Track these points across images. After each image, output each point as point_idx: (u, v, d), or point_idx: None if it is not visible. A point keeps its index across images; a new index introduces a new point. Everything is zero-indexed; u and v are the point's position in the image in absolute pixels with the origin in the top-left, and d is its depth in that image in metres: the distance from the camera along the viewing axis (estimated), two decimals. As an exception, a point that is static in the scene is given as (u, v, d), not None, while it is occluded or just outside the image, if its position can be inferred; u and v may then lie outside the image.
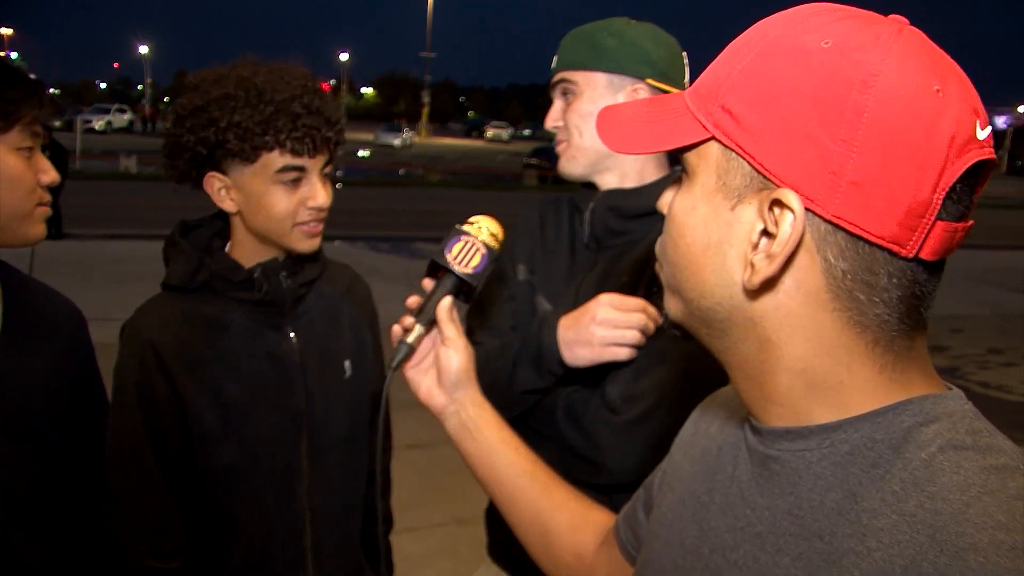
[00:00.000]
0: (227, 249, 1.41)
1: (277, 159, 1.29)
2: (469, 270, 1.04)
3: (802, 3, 0.64)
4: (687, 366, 1.27)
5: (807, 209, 0.57)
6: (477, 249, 1.05)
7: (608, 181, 1.46)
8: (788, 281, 0.60)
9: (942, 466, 0.57)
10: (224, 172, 1.32)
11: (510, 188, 23.42)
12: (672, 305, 0.70)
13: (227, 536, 1.39)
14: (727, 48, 0.65)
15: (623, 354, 1.29)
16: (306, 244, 1.36)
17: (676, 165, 1.49)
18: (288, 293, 1.38)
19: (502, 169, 30.85)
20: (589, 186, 1.51)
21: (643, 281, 1.37)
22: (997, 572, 0.50)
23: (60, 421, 1.29)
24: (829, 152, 0.56)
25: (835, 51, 0.57)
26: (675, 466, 0.84)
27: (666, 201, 0.70)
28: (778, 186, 0.58)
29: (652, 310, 1.28)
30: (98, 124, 39.46)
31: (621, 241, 1.43)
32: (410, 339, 1.03)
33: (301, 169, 1.31)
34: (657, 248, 0.72)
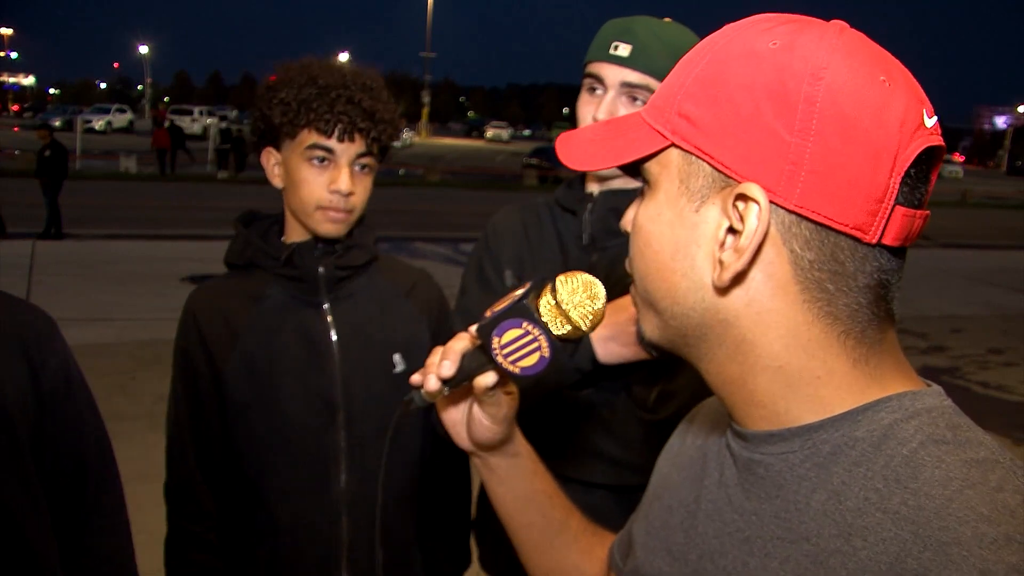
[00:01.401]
0: (284, 236, 1.51)
1: (308, 136, 1.39)
2: (515, 369, 0.76)
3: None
4: None
5: (771, 201, 0.58)
6: (538, 348, 0.75)
7: (614, 183, 1.45)
8: (757, 275, 0.61)
9: (923, 461, 0.57)
10: (279, 149, 1.45)
11: (510, 188, 23.43)
12: (647, 322, 0.70)
13: (256, 512, 1.43)
14: (679, 62, 0.67)
15: (643, 354, 1.25)
16: (326, 228, 1.42)
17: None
18: (323, 272, 1.45)
19: (502, 169, 30.85)
20: (571, 186, 1.51)
21: None
22: (980, 565, 0.51)
23: (8, 466, 1.10)
24: (786, 144, 0.57)
25: (783, 49, 0.59)
26: (662, 476, 0.84)
27: (629, 218, 0.71)
28: (739, 182, 0.59)
29: None
30: (98, 124, 39.46)
31: (619, 241, 1.43)
32: (426, 399, 0.85)
33: (329, 151, 1.39)
34: (627, 266, 0.72)
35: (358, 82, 1.41)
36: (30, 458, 1.13)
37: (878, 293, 0.61)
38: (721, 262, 0.61)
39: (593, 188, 1.47)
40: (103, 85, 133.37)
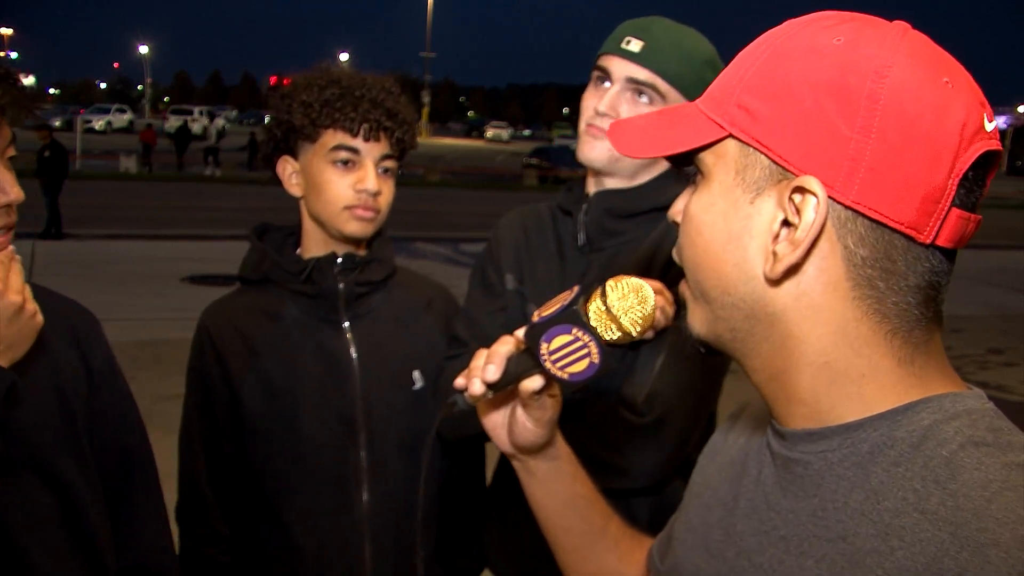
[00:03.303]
0: (300, 249, 1.48)
1: (332, 137, 1.37)
2: (565, 376, 0.76)
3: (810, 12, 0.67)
4: (703, 362, 1.26)
5: (828, 196, 0.58)
6: (587, 355, 0.74)
7: (610, 182, 1.45)
8: (810, 269, 0.61)
9: (963, 463, 0.57)
10: (296, 157, 1.43)
11: (510, 188, 23.41)
12: (696, 316, 0.70)
13: (276, 534, 1.40)
14: (736, 57, 0.67)
15: (647, 334, 1.25)
16: (353, 227, 1.40)
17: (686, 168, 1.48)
18: (343, 289, 1.42)
19: (502, 169, 30.84)
20: (571, 189, 1.50)
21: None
22: (1020, 568, 0.50)
23: (67, 443, 1.15)
24: (847, 139, 0.57)
25: (847, 46, 0.59)
26: (702, 473, 0.84)
27: (679, 208, 0.71)
28: (797, 175, 0.59)
29: (668, 294, 1.27)
30: (98, 124, 39.47)
31: (616, 242, 1.42)
32: (470, 403, 0.83)
33: (355, 151, 1.38)
34: (675, 256, 0.72)
35: (378, 84, 1.41)
36: (86, 439, 1.17)
37: (928, 294, 0.61)
38: (775, 254, 0.61)
39: (591, 188, 1.46)
40: (103, 85, 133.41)
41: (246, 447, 1.40)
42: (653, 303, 0.74)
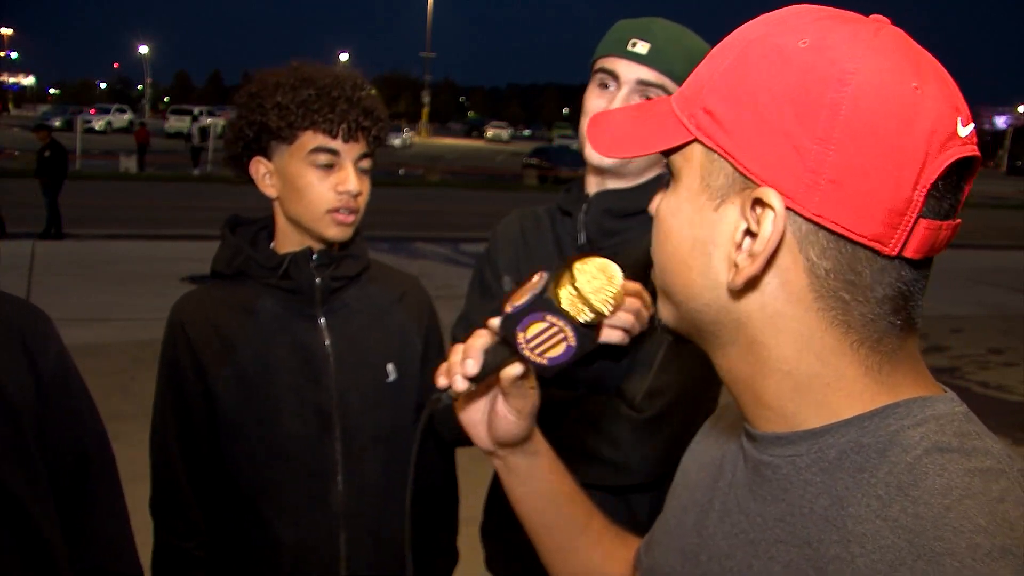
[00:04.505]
0: (273, 243, 1.47)
1: (311, 139, 1.35)
2: (544, 361, 0.76)
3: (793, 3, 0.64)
4: (703, 360, 1.26)
5: (788, 208, 0.57)
6: (564, 338, 0.75)
7: (615, 183, 1.45)
8: (772, 281, 0.60)
9: (926, 469, 0.56)
10: (269, 157, 1.40)
11: (510, 188, 23.41)
12: (664, 310, 0.70)
13: (253, 529, 1.40)
14: (711, 51, 0.65)
15: (616, 337, 1.25)
16: (335, 231, 1.39)
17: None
18: (319, 283, 1.41)
19: (502, 169, 30.84)
20: (571, 189, 1.51)
21: (647, 280, 1.37)
22: None
23: (12, 454, 1.08)
24: (807, 150, 0.56)
25: (811, 50, 0.57)
26: (683, 475, 0.84)
27: (655, 205, 0.70)
28: (759, 185, 0.58)
29: (647, 297, 1.27)
30: (98, 124, 39.47)
31: (615, 241, 1.43)
32: (452, 395, 0.84)
33: (334, 153, 1.36)
34: (651, 252, 0.72)
35: (350, 81, 1.38)
36: (34, 447, 1.13)
37: (897, 304, 0.59)
38: (736, 265, 0.60)
39: (591, 188, 1.47)
40: (103, 85, 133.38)
41: (221, 441, 1.40)
42: (620, 279, 0.74)
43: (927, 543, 0.52)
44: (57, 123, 31.85)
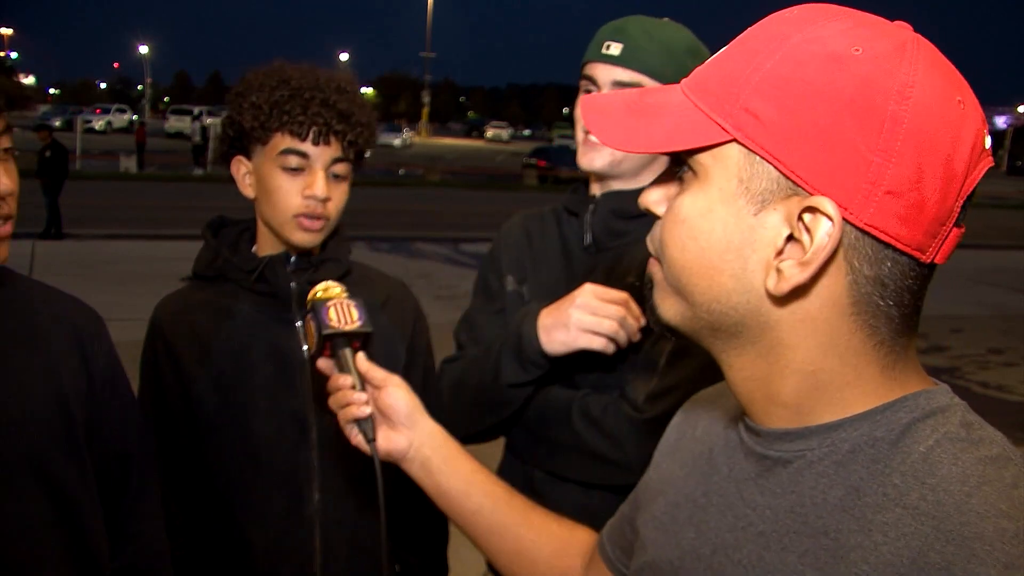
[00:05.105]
0: (255, 246, 1.46)
1: (281, 140, 1.33)
2: (359, 323, 1.07)
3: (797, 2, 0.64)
4: (707, 361, 1.27)
5: (842, 219, 0.57)
6: (347, 304, 1.08)
7: (615, 184, 1.45)
8: (814, 287, 0.60)
9: (940, 459, 0.58)
10: (249, 157, 1.39)
11: (510, 188, 23.42)
12: (672, 309, 0.69)
13: (228, 532, 1.39)
14: (737, 46, 0.63)
15: (598, 343, 1.26)
16: (300, 237, 1.36)
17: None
18: (295, 287, 1.39)
19: (502, 169, 30.85)
20: (576, 190, 1.51)
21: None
22: (1004, 559, 0.52)
23: (65, 448, 1.13)
24: (867, 161, 0.56)
25: (867, 59, 0.57)
26: (662, 471, 0.84)
27: (655, 198, 0.70)
28: (811, 193, 0.58)
29: (635, 306, 1.27)
30: (98, 124, 39.49)
31: (621, 242, 1.43)
32: (367, 411, 1.03)
33: (303, 155, 1.33)
34: (651, 246, 0.71)
35: (332, 84, 1.35)
36: (85, 442, 1.16)
37: (917, 306, 0.62)
38: (779, 271, 0.60)
39: (596, 190, 1.48)
40: (103, 85, 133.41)
41: (197, 443, 1.39)
42: (337, 290, 1.11)
43: (954, 528, 0.54)
44: (57, 123, 31.84)
